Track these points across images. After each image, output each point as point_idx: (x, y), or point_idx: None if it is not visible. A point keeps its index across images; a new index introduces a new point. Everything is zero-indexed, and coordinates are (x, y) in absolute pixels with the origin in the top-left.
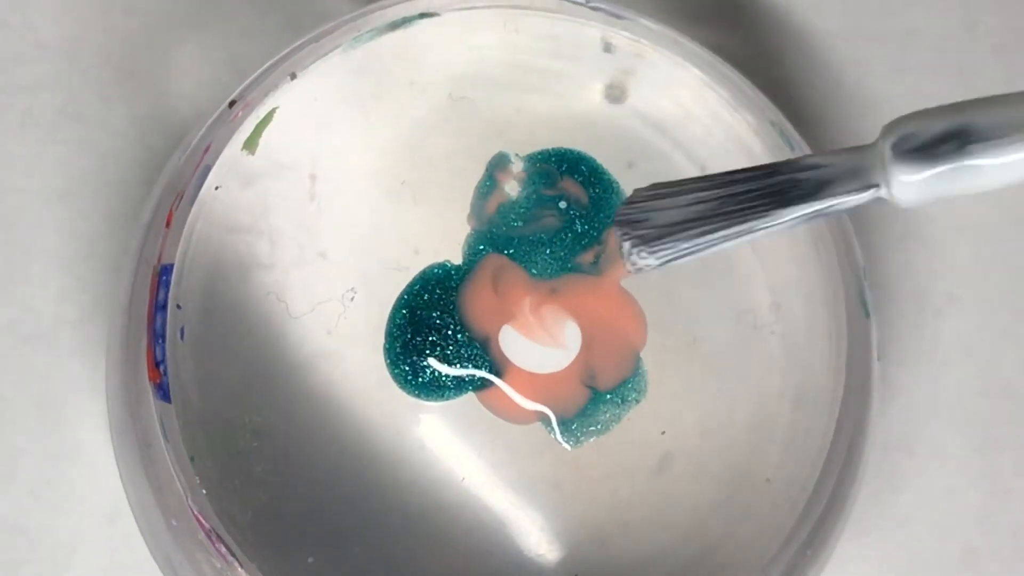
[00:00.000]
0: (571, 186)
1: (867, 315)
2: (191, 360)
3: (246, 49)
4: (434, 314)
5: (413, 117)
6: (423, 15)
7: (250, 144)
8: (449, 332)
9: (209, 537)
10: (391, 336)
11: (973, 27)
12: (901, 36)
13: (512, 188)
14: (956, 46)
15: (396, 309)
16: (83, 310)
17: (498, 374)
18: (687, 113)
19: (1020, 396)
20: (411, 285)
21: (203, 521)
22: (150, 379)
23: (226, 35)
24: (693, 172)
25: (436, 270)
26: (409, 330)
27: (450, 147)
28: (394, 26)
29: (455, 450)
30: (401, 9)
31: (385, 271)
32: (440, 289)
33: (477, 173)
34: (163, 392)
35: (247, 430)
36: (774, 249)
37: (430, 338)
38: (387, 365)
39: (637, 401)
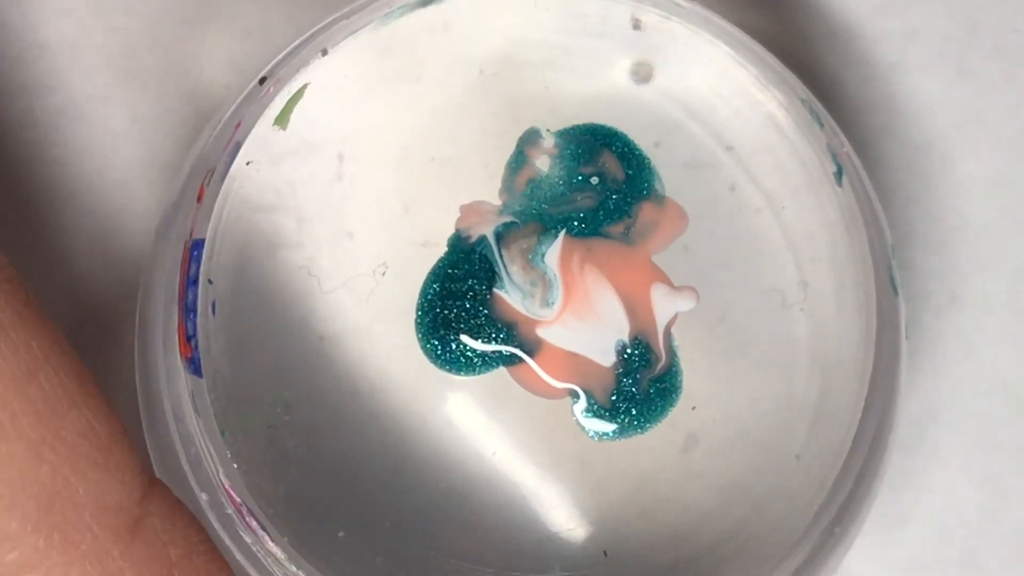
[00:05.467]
0: (604, 161)
1: (896, 293)
2: (222, 335)
3: (247, 48)
4: (466, 286)
5: (443, 94)
6: None
7: (282, 120)
8: (479, 305)
9: (240, 511)
10: (422, 310)
11: (973, 27)
12: (901, 36)
13: (543, 163)
14: (956, 46)
15: (428, 283)
16: (86, 311)
17: (531, 350)
18: (715, 91)
19: (1020, 396)
20: (443, 258)
21: (234, 495)
22: (181, 354)
23: (228, 35)
24: (720, 151)
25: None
26: (439, 304)
27: (480, 124)
28: (425, 2)
29: (485, 425)
30: None
31: (415, 248)
32: (473, 261)
33: (507, 150)
34: (194, 367)
35: (279, 404)
36: (804, 226)
37: (461, 312)
38: (418, 339)
39: (676, 397)
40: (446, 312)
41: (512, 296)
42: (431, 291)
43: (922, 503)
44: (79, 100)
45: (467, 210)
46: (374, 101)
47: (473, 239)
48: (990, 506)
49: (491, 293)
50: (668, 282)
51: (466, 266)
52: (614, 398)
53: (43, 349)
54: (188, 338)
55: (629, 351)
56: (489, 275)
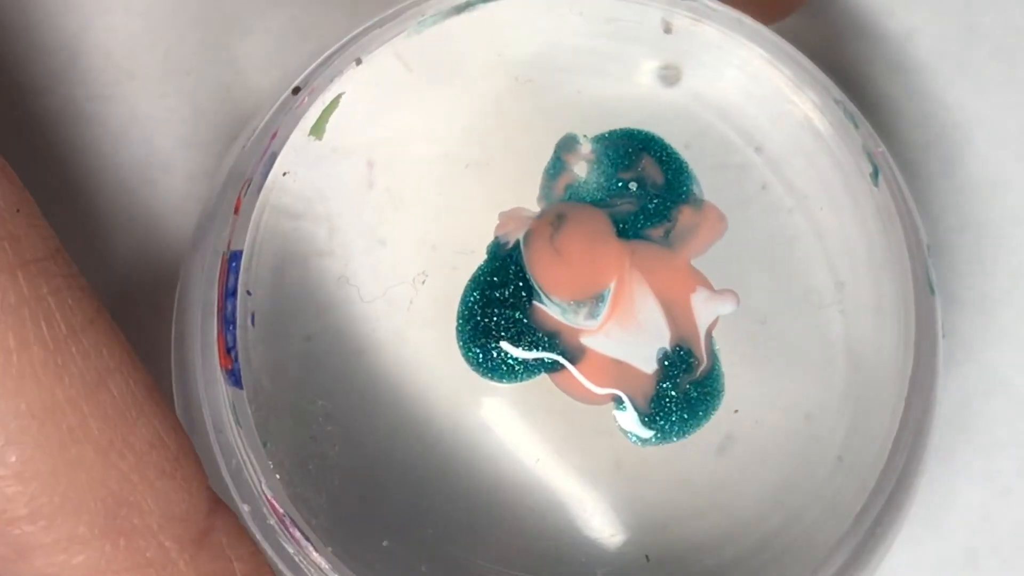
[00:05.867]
0: (643, 166)
1: (932, 292)
2: (262, 346)
3: (248, 49)
4: (507, 294)
5: (478, 101)
6: None
7: (317, 130)
8: (519, 313)
9: (283, 522)
10: (462, 318)
11: (973, 27)
12: (901, 36)
13: (581, 169)
14: (956, 46)
15: (468, 291)
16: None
17: (573, 357)
18: (748, 93)
19: (1020, 396)
20: (483, 266)
21: (276, 506)
22: (221, 366)
23: (227, 35)
24: (752, 152)
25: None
26: (479, 312)
27: (514, 130)
28: (459, 10)
29: (525, 431)
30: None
31: (454, 255)
32: (513, 267)
33: (543, 155)
34: (235, 378)
35: (320, 414)
36: (840, 228)
37: (502, 320)
38: (459, 347)
39: (718, 401)
40: (487, 320)
41: (551, 309)
42: (471, 299)
43: (922, 503)
44: (79, 100)
45: (506, 217)
46: (409, 109)
47: (511, 245)
48: (990, 506)
49: (531, 303)
50: (709, 286)
51: (506, 274)
52: (656, 403)
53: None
54: (228, 350)
55: (671, 358)
56: (530, 283)
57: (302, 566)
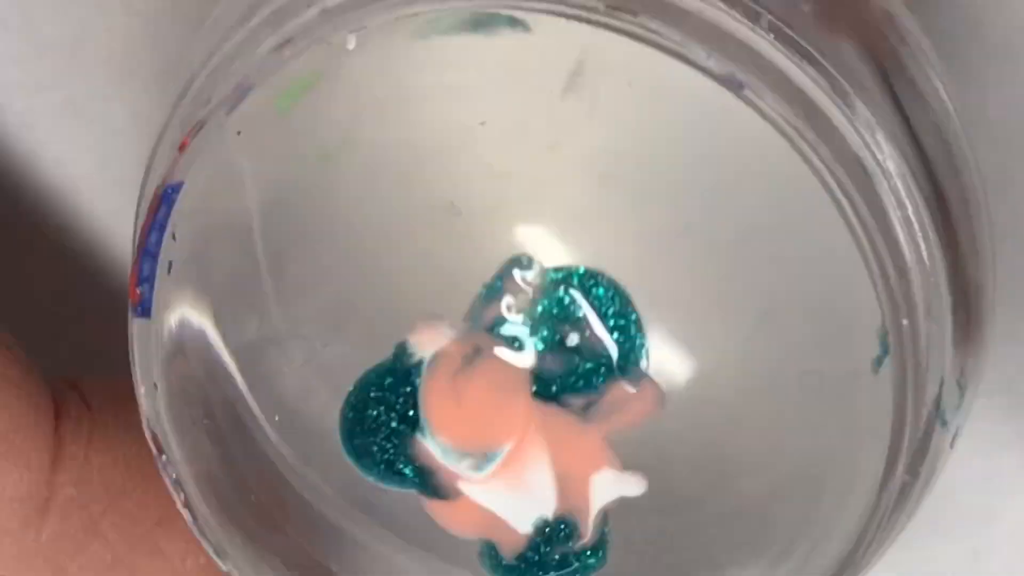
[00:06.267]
0: (590, 326)
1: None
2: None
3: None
4: (397, 404)
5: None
6: (513, 22)
7: (286, 100)
8: (400, 436)
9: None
10: (349, 404)
11: (973, 27)
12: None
13: (522, 301)
14: (956, 46)
15: (361, 384)
16: (82, 310)
17: (444, 494)
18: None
19: (1020, 396)
20: (384, 363)
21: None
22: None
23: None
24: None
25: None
26: (364, 407)
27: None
28: (476, 26)
29: None
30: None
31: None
32: (410, 387)
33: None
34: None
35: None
36: None
37: (386, 430)
38: (339, 430)
39: (595, 568)
40: (372, 417)
41: (433, 448)
42: (362, 393)
43: (922, 503)
44: (79, 99)
45: (423, 326)
46: (388, 112)
47: (415, 360)
48: (990, 506)
49: (413, 434)
50: (617, 466)
51: (402, 388)
52: (523, 560)
53: None
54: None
55: (551, 527)
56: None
57: None
